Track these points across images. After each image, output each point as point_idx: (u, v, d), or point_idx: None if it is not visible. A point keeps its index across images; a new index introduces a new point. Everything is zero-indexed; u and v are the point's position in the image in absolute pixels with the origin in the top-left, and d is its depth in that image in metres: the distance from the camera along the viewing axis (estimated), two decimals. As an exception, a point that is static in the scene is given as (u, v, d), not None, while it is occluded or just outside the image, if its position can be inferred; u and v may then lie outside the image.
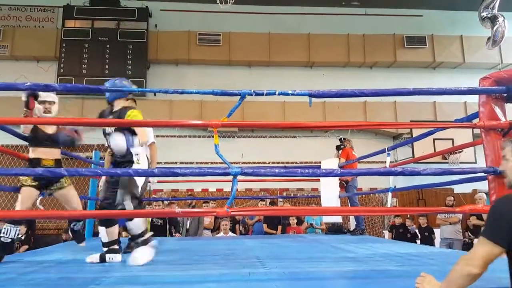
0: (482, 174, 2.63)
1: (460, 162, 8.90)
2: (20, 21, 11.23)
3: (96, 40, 10.85)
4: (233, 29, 11.15)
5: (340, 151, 5.96)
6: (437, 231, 7.40)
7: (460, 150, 8.42)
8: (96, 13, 11.07)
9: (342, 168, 5.19)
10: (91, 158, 5.98)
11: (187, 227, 6.72)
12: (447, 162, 9.28)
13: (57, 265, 2.90)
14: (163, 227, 6.52)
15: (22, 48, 10.72)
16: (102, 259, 2.91)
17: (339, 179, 5.49)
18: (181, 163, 9.85)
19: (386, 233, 8.67)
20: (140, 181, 2.95)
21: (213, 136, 2.56)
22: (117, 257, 2.95)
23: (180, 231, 6.66)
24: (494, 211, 1.49)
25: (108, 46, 10.86)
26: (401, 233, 7.62)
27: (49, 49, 10.84)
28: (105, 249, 2.96)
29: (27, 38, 10.81)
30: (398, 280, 2.14)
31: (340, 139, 6.19)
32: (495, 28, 8.75)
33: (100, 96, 10.01)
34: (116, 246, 3.00)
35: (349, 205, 5.84)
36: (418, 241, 7.38)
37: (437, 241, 7.34)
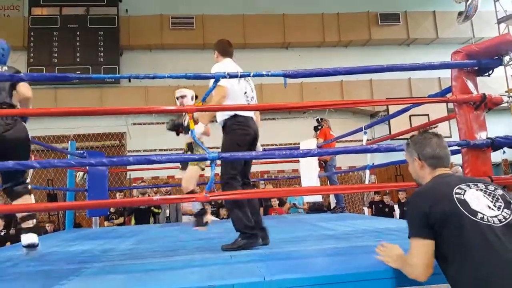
0: (456, 147, 2.69)
1: (435, 137, 9.10)
2: (-16, 9, 10.74)
3: (65, 28, 10.49)
4: (206, 12, 10.93)
5: (318, 132, 6.02)
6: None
7: (435, 125, 8.61)
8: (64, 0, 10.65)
9: (320, 148, 5.24)
10: (67, 149, 5.84)
11: (167, 215, 6.71)
12: (423, 138, 9.49)
13: (37, 258, 2.84)
14: (147, 212, 6.54)
15: (-13, 38, 10.26)
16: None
17: (318, 159, 5.55)
18: (160, 150, 9.74)
19: (366, 210, 8.88)
20: None
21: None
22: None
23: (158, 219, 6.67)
24: (408, 210, 1.59)
25: (78, 33, 10.52)
26: (380, 209, 7.81)
27: (16, 38, 10.40)
28: None
29: (-8, 27, 10.34)
30: (376, 254, 2.19)
31: (317, 120, 6.24)
32: (468, 3, 8.83)
33: (73, 85, 9.86)
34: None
35: (329, 184, 5.94)
36: (395, 214, 7.60)
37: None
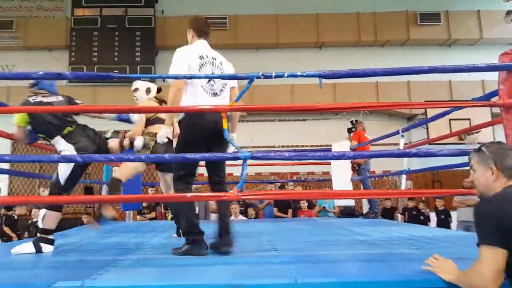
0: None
1: (478, 143, 8.66)
2: (32, 11, 11.34)
3: (105, 28, 10.86)
4: (240, 12, 10.98)
5: (352, 134, 5.88)
6: (454, 214, 7.28)
7: (477, 130, 8.23)
8: (104, 1, 11.06)
9: (354, 151, 5.12)
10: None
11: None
12: (464, 143, 9.07)
13: (75, 248, 2.98)
14: None
15: (34, 38, 10.83)
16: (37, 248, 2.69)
17: (351, 162, 5.43)
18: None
19: (399, 216, 8.62)
20: (62, 170, 2.76)
21: (222, 121, 2.53)
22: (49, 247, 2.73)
23: None
24: (478, 217, 1.52)
25: (116, 33, 10.86)
26: (414, 216, 7.55)
27: (60, 38, 10.93)
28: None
29: (38, 28, 10.92)
30: (413, 263, 2.09)
31: (351, 122, 6.10)
32: (518, 0, 8.38)
33: (111, 84, 10.19)
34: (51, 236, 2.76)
35: (362, 188, 5.80)
36: (430, 224, 7.31)
37: (454, 224, 7.23)
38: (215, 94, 2.58)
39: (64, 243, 3.19)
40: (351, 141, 5.73)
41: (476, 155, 1.71)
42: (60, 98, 2.92)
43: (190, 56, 2.56)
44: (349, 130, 6.05)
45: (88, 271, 1.91)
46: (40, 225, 2.77)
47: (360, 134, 5.79)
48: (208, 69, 2.57)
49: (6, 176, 9.52)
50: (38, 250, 2.67)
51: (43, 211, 2.75)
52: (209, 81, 2.56)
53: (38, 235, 2.75)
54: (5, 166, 6.63)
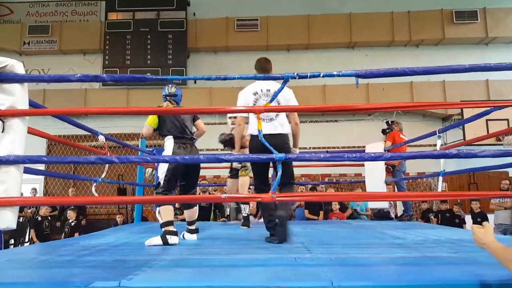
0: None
1: (516, 144, 8.32)
2: (67, 16, 11.76)
3: (138, 31, 11.14)
4: (271, 13, 10.99)
5: (387, 135, 5.76)
6: (490, 217, 7.01)
7: (516, 131, 7.87)
8: (137, 4, 11.34)
9: (389, 152, 5.01)
10: (138, 146, 6.18)
11: (228, 213, 6.79)
12: (501, 144, 8.71)
13: (110, 248, 3.01)
14: (208, 209, 6.68)
15: (69, 42, 11.24)
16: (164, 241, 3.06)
17: (386, 163, 5.31)
18: (222, 150, 9.97)
19: (432, 219, 8.36)
20: (160, 170, 3.29)
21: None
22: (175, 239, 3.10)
23: (225, 216, 6.75)
24: None
25: (149, 36, 11.12)
26: (448, 219, 7.32)
27: (94, 42, 11.29)
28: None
29: (73, 32, 11.33)
30: (452, 267, 2.03)
31: (387, 122, 5.97)
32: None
33: (144, 86, 10.43)
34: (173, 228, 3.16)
35: (396, 190, 5.66)
36: (466, 227, 7.06)
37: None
38: (270, 119, 3.11)
39: (99, 243, 3.26)
40: (385, 142, 5.61)
41: None
42: None
43: (246, 95, 3.23)
44: (384, 131, 5.93)
45: (124, 271, 1.93)
46: (160, 220, 3.17)
47: (395, 135, 5.66)
48: (263, 101, 3.10)
49: (42, 177, 9.90)
50: (165, 242, 3.01)
51: (157, 209, 3.24)
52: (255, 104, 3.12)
53: (162, 229, 3.10)
54: (41, 167, 6.87)
